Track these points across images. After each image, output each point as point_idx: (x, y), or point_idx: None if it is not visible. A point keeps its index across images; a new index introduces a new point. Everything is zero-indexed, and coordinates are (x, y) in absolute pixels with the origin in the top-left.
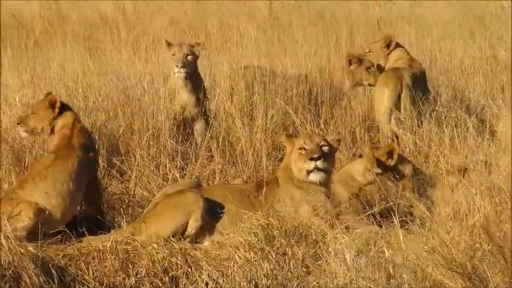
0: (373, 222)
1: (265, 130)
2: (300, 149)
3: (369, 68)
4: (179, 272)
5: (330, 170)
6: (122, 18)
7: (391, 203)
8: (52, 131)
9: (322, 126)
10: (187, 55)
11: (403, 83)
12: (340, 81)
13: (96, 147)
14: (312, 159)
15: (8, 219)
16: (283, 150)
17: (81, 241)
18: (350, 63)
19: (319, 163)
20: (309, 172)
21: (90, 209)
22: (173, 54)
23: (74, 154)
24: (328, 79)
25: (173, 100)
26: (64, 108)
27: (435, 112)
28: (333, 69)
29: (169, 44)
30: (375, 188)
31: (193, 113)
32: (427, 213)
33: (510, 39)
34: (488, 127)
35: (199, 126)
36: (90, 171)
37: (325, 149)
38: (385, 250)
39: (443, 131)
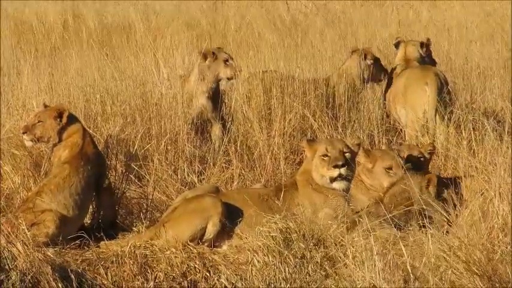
0: (395, 226)
1: (283, 134)
2: (322, 155)
3: (378, 64)
4: (198, 276)
5: (351, 177)
6: (139, 22)
7: (414, 206)
8: (59, 140)
9: (340, 129)
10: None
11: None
12: (357, 77)
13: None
14: (336, 166)
15: (31, 226)
16: (301, 154)
17: (99, 246)
18: (365, 57)
19: (343, 170)
20: (332, 179)
21: (107, 213)
22: (226, 61)
23: (87, 163)
24: (345, 82)
25: (190, 104)
26: (71, 117)
27: (453, 115)
28: (348, 68)
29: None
30: (398, 190)
31: (210, 117)
32: (445, 215)
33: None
34: (506, 129)
35: (216, 130)
36: (101, 178)
37: (347, 155)
38: (404, 252)
39: (461, 134)
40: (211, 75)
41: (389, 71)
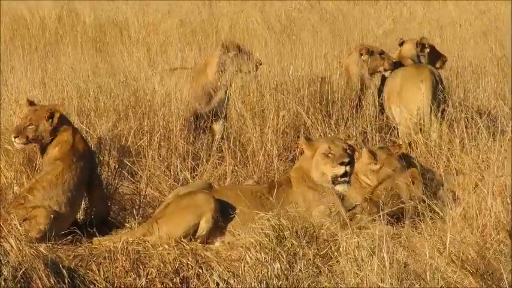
0: (388, 223)
1: (277, 131)
2: (325, 153)
3: (381, 54)
4: (190, 272)
5: (351, 176)
6: (133, 19)
7: (404, 204)
8: (51, 140)
9: (333, 126)
10: None
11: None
12: (357, 75)
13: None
14: (342, 163)
15: (23, 222)
16: (294, 151)
17: (91, 242)
18: (361, 54)
19: (348, 168)
20: (335, 179)
21: (99, 209)
22: (248, 54)
23: (80, 160)
24: (341, 79)
25: (203, 98)
26: (61, 116)
27: (446, 113)
28: (348, 66)
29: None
30: (385, 187)
31: (220, 111)
32: (438, 211)
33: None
34: (499, 127)
35: (219, 125)
36: (92, 174)
37: (350, 153)
38: (396, 250)
39: (454, 132)
40: (232, 69)
41: (393, 59)
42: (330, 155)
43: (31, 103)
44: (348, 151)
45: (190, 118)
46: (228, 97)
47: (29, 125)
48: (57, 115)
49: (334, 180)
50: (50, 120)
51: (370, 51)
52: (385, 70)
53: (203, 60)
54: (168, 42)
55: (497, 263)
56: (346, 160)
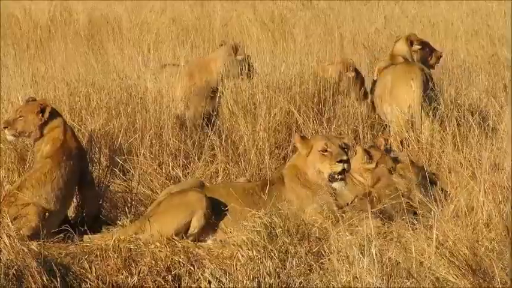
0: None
1: (268, 129)
2: (322, 150)
3: (362, 82)
4: (182, 270)
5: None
6: (124, 17)
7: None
8: (41, 135)
9: (325, 124)
10: None
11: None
12: (332, 77)
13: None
14: (340, 161)
15: (14, 219)
16: (286, 148)
17: (83, 240)
18: (346, 69)
19: (346, 165)
20: (332, 177)
21: (90, 207)
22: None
23: (70, 158)
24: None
25: (207, 97)
26: (53, 112)
27: (438, 110)
28: (326, 66)
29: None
30: (384, 184)
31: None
32: (433, 208)
33: (510, 39)
34: (491, 125)
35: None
36: (84, 172)
37: (346, 150)
38: (388, 247)
39: (446, 129)
40: (236, 71)
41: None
42: (326, 152)
43: (28, 101)
44: (344, 148)
45: (198, 121)
46: (220, 95)
47: (19, 117)
48: (48, 109)
49: (331, 178)
50: (41, 115)
51: (355, 72)
52: (356, 100)
53: (201, 57)
54: (160, 40)
55: (489, 260)
56: (345, 158)
